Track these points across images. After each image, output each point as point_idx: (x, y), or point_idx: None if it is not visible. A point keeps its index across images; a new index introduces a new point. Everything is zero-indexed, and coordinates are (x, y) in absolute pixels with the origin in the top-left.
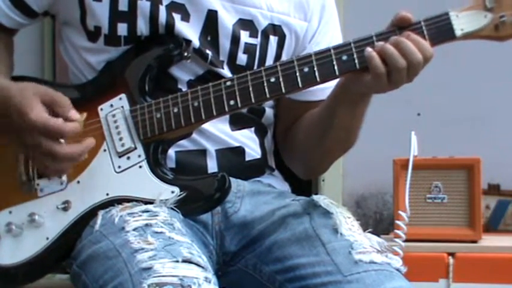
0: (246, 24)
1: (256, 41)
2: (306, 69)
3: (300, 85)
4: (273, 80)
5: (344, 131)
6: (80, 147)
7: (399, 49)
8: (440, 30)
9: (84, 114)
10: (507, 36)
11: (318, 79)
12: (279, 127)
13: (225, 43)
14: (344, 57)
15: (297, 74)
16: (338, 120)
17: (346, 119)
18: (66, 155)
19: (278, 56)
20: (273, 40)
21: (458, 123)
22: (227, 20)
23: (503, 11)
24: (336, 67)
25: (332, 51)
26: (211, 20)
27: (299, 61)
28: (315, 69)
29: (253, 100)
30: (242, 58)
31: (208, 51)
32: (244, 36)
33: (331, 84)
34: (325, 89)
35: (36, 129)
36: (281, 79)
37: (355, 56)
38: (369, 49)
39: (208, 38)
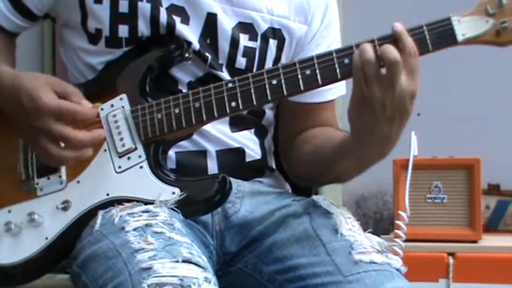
0: (246, 27)
1: (255, 44)
2: (308, 72)
3: (302, 88)
4: (274, 82)
5: (342, 174)
6: (90, 135)
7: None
8: (442, 35)
9: (99, 104)
10: (508, 42)
11: (319, 82)
12: (283, 134)
13: (224, 46)
14: (346, 61)
15: (299, 76)
16: (339, 167)
17: (349, 168)
18: (75, 137)
19: (277, 59)
20: (273, 43)
21: (458, 123)
22: (226, 23)
23: (505, 17)
24: (337, 70)
25: (334, 54)
26: (210, 23)
27: (301, 64)
28: (317, 72)
29: (254, 102)
30: (241, 61)
31: (207, 54)
32: (244, 40)
33: (335, 85)
34: (328, 90)
35: (48, 111)
36: (283, 81)
37: None
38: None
39: (208, 41)
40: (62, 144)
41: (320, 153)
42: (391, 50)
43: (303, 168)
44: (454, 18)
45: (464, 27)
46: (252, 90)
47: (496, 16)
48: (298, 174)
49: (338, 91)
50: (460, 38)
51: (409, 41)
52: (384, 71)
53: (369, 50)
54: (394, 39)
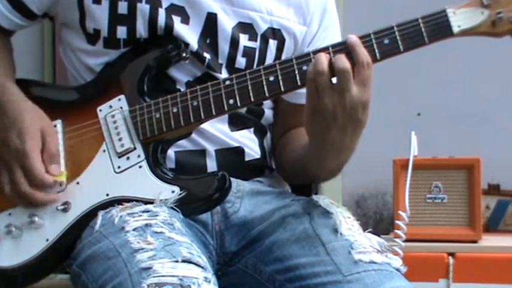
0: (246, 27)
1: (255, 44)
2: (304, 68)
3: (299, 83)
4: (272, 78)
5: (317, 176)
6: (44, 197)
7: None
8: (437, 27)
9: (64, 174)
10: (504, 32)
11: None
12: (275, 134)
13: (224, 46)
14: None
15: (296, 72)
16: (311, 172)
17: (320, 172)
18: (27, 194)
19: (277, 59)
20: (272, 44)
21: (458, 123)
22: (226, 23)
23: (500, 8)
24: None
25: (330, 49)
26: (210, 22)
27: (298, 60)
28: None
29: (252, 99)
30: (241, 61)
31: (206, 55)
32: (244, 40)
33: None
34: None
35: (22, 159)
36: (280, 78)
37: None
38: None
39: (208, 41)
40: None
41: (292, 157)
42: (342, 60)
43: (286, 167)
44: (449, 10)
45: (460, 18)
46: (250, 87)
47: (491, 7)
48: (284, 172)
49: None
50: (455, 29)
51: (362, 52)
52: (334, 80)
53: (323, 61)
54: (347, 50)
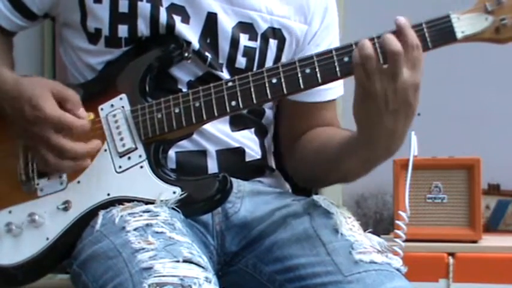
0: (246, 27)
1: (255, 44)
2: (307, 71)
3: (302, 86)
4: (274, 81)
5: (347, 174)
6: (86, 146)
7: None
8: (441, 33)
9: (91, 114)
10: (508, 39)
11: (319, 80)
12: (284, 136)
13: (224, 46)
14: (346, 59)
15: (299, 75)
16: (344, 166)
17: (354, 168)
18: (71, 150)
19: (278, 59)
20: (273, 43)
21: (458, 123)
22: (227, 22)
23: (504, 14)
24: (337, 68)
25: (334, 52)
26: (211, 22)
27: (301, 62)
28: (317, 70)
29: (254, 101)
30: (241, 61)
31: (207, 54)
32: (244, 40)
33: (335, 85)
34: (327, 90)
35: (49, 122)
36: (283, 80)
37: None
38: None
39: (208, 41)
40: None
41: (324, 153)
42: (392, 41)
43: (307, 169)
44: (453, 16)
45: (464, 24)
46: (252, 89)
47: (495, 13)
48: (302, 175)
49: (337, 91)
50: (459, 35)
51: (411, 34)
52: (384, 65)
53: (368, 45)
54: (395, 32)
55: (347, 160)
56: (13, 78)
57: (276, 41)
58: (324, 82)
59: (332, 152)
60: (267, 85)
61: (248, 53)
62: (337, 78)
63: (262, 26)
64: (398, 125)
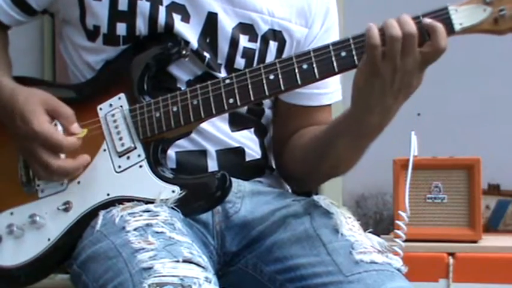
0: (246, 28)
1: (255, 45)
2: (304, 66)
3: (299, 82)
4: (272, 77)
5: (338, 160)
6: (74, 163)
7: (396, 20)
8: None
9: (85, 130)
10: (506, 29)
11: (317, 76)
12: (276, 136)
13: (223, 46)
14: (343, 53)
15: (296, 71)
16: (335, 150)
17: (344, 150)
18: (59, 168)
19: None
20: (273, 45)
21: (458, 123)
22: (227, 23)
23: (503, 5)
24: (334, 63)
25: (331, 47)
26: (211, 22)
27: (298, 58)
28: (314, 65)
29: (252, 98)
30: (240, 62)
31: (206, 54)
32: (244, 41)
33: (330, 90)
34: (322, 95)
35: (36, 138)
36: (280, 76)
37: (353, 52)
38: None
39: (207, 40)
40: None
41: (313, 142)
42: (411, 25)
43: (297, 165)
44: (451, 8)
45: (462, 16)
46: (250, 86)
47: (493, 4)
48: (292, 173)
49: (334, 96)
50: (457, 27)
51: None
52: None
53: (395, 25)
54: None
55: (337, 141)
56: (9, 89)
57: (276, 43)
58: (322, 78)
59: (321, 137)
60: (264, 81)
61: (247, 54)
62: (334, 74)
63: (263, 27)
64: (396, 103)
